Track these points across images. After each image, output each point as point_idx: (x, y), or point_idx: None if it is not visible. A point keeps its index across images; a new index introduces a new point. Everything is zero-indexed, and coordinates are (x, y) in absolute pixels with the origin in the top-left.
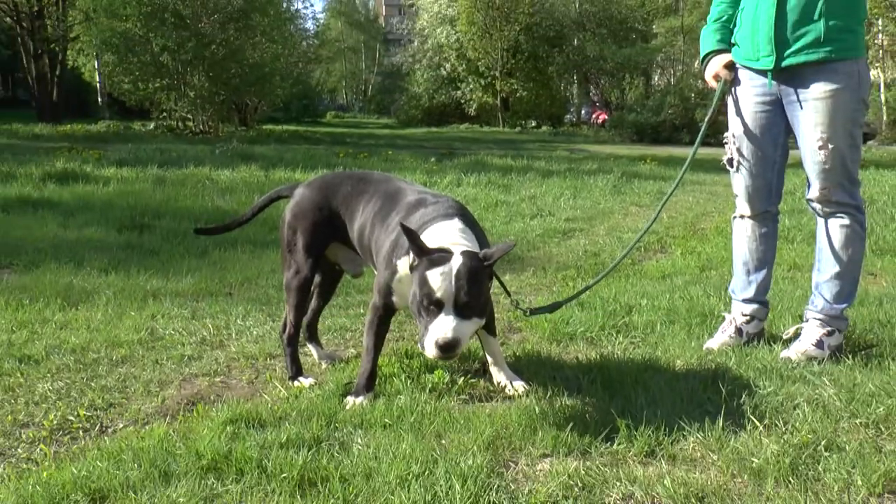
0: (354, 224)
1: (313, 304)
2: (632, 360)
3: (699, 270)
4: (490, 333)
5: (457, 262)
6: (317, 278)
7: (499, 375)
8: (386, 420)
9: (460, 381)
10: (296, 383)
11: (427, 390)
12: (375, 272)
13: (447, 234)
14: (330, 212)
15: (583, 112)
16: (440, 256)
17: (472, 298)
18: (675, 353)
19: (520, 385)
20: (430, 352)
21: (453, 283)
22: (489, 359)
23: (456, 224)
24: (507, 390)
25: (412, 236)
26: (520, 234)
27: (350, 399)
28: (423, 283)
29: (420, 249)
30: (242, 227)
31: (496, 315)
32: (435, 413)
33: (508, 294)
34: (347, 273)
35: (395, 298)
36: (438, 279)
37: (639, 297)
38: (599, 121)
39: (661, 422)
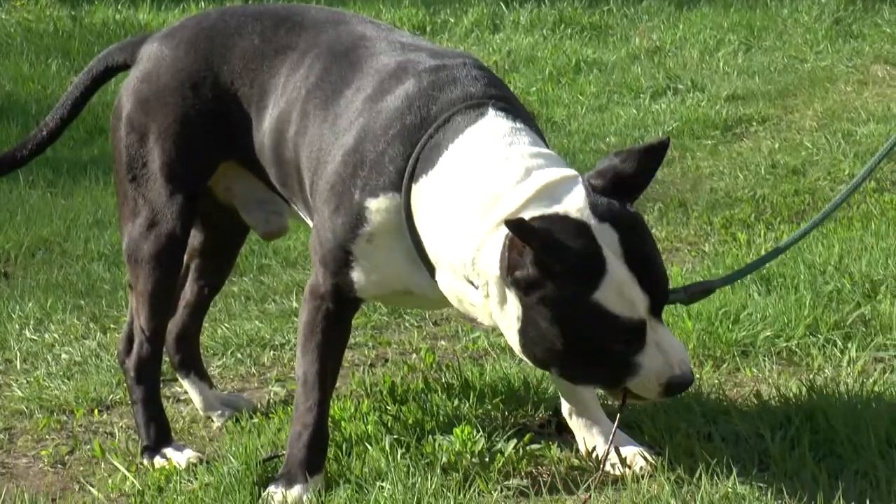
0: (264, 117)
1: (189, 293)
2: (880, 395)
3: None
4: None
5: (607, 233)
6: (194, 239)
7: (591, 434)
8: None
9: (508, 448)
10: (159, 460)
11: (438, 469)
12: (311, 222)
13: (498, 146)
14: (215, 92)
15: None
16: (568, 239)
17: (663, 273)
18: None
19: (635, 454)
20: (661, 391)
21: (635, 278)
22: (566, 403)
23: (498, 121)
24: (608, 466)
25: (528, 232)
26: (630, 133)
27: (275, 491)
28: (594, 314)
29: (518, 254)
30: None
31: None
32: None
33: None
34: (254, 229)
35: (355, 276)
36: (617, 293)
37: (893, 262)
38: None
39: None
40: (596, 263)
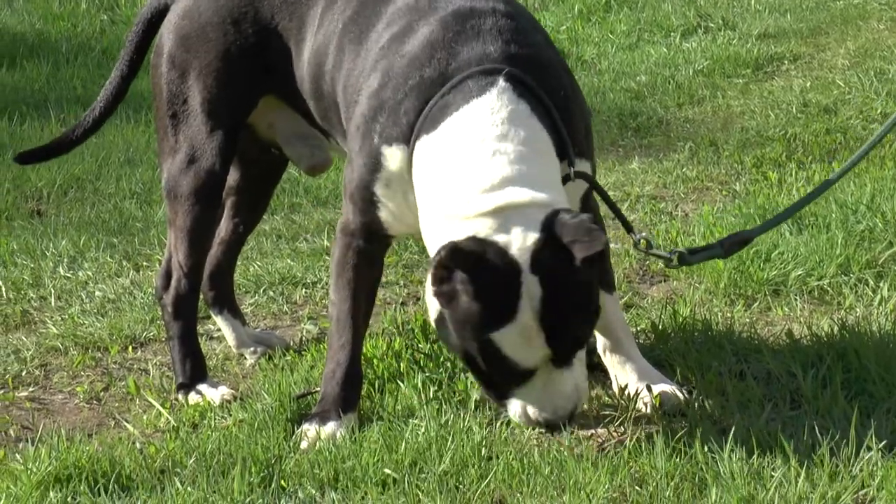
0: (303, 50)
1: (224, 231)
2: None
3: None
4: (602, 287)
5: (533, 286)
6: (230, 176)
7: (624, 371)
8: (388, 471)
9: None
10: (193, 397)
11: (469, 406)
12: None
13: (490, 136)
14: (256, 27)
15: None
16: (494, 276)
17: (578, 332)
18: None
19: (667, 391)
20: (526, 422)
21: (542, 333)
22: (601, 340)
23: (503, 100)
24: (642, 403)
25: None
26: (661, 71)
27: (309, 428)
28: (488, 348)
29: (445, 270)
30: None
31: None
32: (489, 456)
33: (629, 229)
34: (298, 165)
35: (382, 215)
36: (516, 341)
37: None
38: None
39: None
40: (507, 309)
